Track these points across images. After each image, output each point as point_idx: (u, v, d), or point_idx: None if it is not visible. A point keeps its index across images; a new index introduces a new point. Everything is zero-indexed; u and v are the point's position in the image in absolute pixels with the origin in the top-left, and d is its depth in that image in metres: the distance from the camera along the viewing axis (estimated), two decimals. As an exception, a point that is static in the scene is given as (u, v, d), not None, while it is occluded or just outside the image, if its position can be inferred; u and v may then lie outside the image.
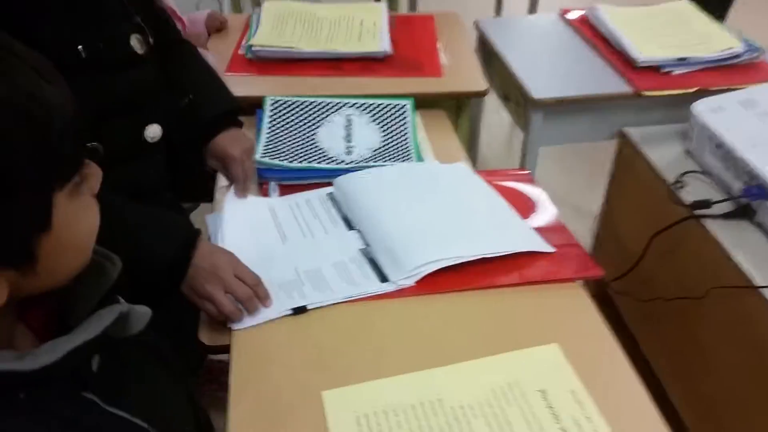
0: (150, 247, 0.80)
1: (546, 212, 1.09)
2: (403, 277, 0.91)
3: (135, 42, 0.87)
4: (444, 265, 0.92)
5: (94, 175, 0.51)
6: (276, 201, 1.11)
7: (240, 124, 1.11)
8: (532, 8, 2.79)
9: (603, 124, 1.50)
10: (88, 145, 0.87)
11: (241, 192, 1.08)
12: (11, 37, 0.46)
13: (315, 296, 0.90)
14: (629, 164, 1.50)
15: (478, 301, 0.90)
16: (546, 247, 0.98)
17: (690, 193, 1.30)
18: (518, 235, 1.00)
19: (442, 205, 1.05)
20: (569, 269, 0.95)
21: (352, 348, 0.83)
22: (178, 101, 1.03)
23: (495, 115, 2.41)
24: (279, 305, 0.88)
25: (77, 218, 0.48)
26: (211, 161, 1.08)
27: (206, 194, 1.22)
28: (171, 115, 1.00)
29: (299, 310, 0.88)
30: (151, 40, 0.91)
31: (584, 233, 1.70)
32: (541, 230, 1.03)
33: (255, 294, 0.84)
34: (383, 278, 0.93)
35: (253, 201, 1.10)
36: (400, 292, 0.91)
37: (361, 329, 0.86)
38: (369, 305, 0.89)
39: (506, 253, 0.95)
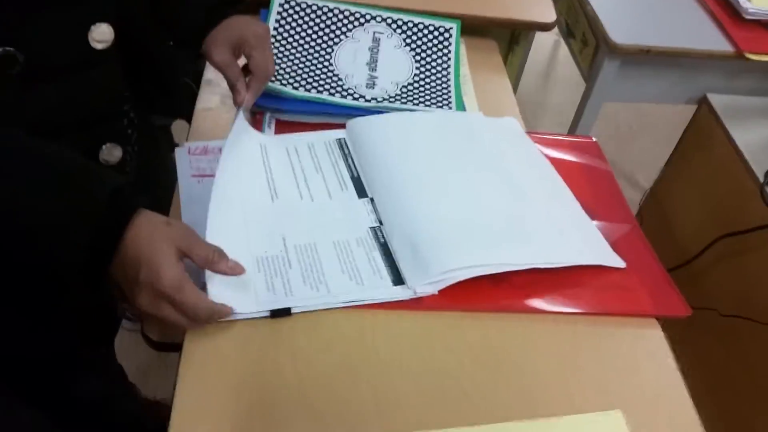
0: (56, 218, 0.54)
1: (617, 206, 0.84)
2: (425, 282, 0.68)
3: None
4: (481, 273, 0.68)
5: None
6: (269, 140, 0.85)
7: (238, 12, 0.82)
8: None
9: (686, 86, 1.21)
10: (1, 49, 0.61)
11: (257, 89, 0.79)
12: None
13: (304, 293, 0.66)
14: (705, 139, 1.24)
15: (521, 331, 0.67)
16: (616, 261, 0.74)
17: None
18: (582, 241, 0.75)
19: (488, 184, 0.80)
20: (646, 300, 0.71)
21: (346, 381, 0.61)
22: None
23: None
24: (253, 295, 0.65)
25: None
26: (219, 54, 0.78)
27: (182, 110, 0.96)
28: (134, 7, 0.71)
29: (280, 313, 0.65)
30: None
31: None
32: (607, 231, 0.79)
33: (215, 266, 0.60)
34: (397, 278, 0.69)
35: (244, 129, 0.83)
36: (418, 303, 0.67)
37: (362, 353, 0.63)
38: (375, 315, 0.66)
39: (563, 266, 0.71)
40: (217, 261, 0.60)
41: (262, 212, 0.74)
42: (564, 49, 2.32)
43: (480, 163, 0.83)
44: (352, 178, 0.81)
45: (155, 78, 0.80)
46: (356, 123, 0.87)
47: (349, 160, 0.84)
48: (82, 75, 0.65)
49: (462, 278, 0.68)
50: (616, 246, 0.77)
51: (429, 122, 0.89)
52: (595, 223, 0.80)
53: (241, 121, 0.80)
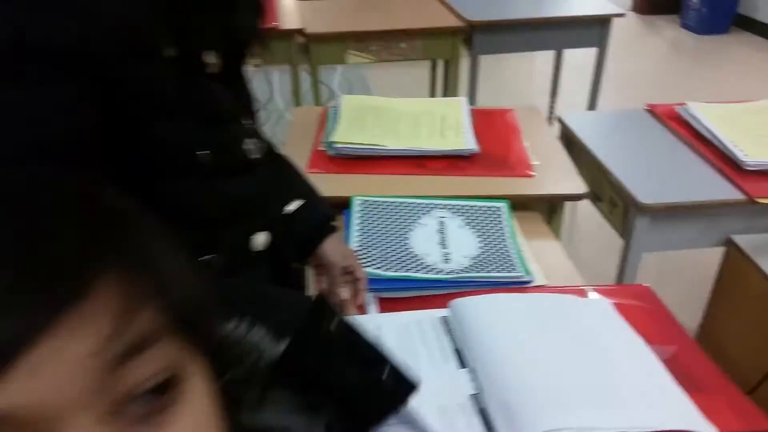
0: None
1: (682, 340, 0.96)
2: None
3: (250, 146, 0.79)
4: None
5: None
6: (384, 319, 0.99)
7: (335, 230, 1.03)
8: (592, 105, 2.74)
9: (711, 231, 1.38)
10: (202, 258, 0.78)
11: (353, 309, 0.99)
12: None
13: None
14: (738, 275, 1.37)
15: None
16: (706, 427, 0.79)
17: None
18: (672, 409, 0.82)
19: (580, 356, 0.89)
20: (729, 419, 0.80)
21: None
22: (281, 207, 0.95)
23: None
24: None
25: None
26: (335, 256, 1.00)
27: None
28: (277, 221, 0.91)
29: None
30: (263, 143, 0.84)
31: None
32: (680, 361, 0.90)
33: None
34: None
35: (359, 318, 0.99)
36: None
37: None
38: None
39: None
40: None
41: None
42: (580, 209, 2.54)
43: (573, 338, 0.92)
44: (454, 350, 0.94)
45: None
46: (458, 302, 1.00)
47: (452, 334, 0.97)
48: (241, 274, 0.82)
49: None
50: (694, 375, 0.88)
51: (527, 302, 1.00)
52: (665, 353, 0.91)
53: None
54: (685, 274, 1.85)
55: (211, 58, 0.71)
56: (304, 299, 0.81)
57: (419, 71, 3.26)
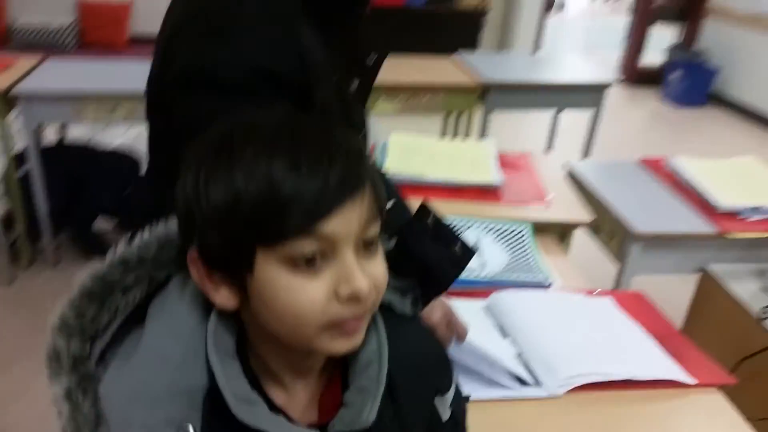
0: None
1: (675, 338, 1.25)
2: (558, 384, 1.06)
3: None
4: (595, 380, 1.07)
5: (343, 276, 0.52)
6: None
7: None
8: (585, 154, 3.11)
9: (689, 260, 1.69)
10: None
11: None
12: None
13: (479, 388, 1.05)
14: (711, 297, 1.68)
15: (625, 406, 1.06)
16: (687, 379, 1.11)
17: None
18: (661, 365, 1.14)
19: (592, 331, 1.21)
20: (705, 377, 1.10)
21: None
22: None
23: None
24: None
25: (277, 287, 0.52)
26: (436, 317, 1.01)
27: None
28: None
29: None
30: None
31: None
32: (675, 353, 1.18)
33: None
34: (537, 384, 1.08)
35: None
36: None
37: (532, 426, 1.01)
38: (525, 405, 1.04)
39: (649, 379, 1.09)
40: None
41: None
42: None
43: (585, 321, 1.24)
44: (496, 326, 1.22)
45: None
46: (497, 295, 1.29)
47: (492, 317, 1.25)
48: None
49: (583, 382, 1.06)
50: (678, 350, 1.17)
51: (548, 295, 1.32)
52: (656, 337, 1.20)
53: None
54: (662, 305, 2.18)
55: (354, 84, 1.01)
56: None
57: (426, 123, 3.60)
